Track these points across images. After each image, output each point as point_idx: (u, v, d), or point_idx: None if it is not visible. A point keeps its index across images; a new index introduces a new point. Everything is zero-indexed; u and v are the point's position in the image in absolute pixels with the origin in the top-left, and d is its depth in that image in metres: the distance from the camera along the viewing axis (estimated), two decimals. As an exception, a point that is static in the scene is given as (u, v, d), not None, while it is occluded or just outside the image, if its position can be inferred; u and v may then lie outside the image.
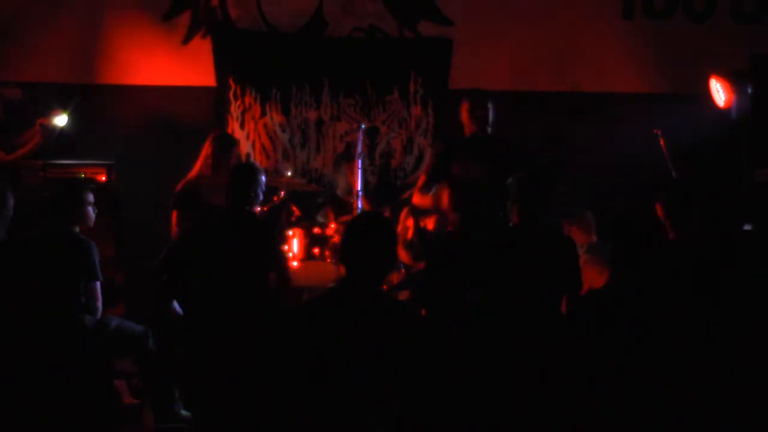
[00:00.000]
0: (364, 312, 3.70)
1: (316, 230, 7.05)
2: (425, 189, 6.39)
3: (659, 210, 4.98)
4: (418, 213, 7.21)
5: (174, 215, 6.41)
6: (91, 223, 5.69)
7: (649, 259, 3.99)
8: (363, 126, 7.01)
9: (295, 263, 6.94)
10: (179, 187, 6.47)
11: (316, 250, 6.98)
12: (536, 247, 4.93)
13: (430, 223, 7.24)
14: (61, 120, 7.12)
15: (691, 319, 3.99)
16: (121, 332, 5.62)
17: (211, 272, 5.30)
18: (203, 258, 5.34)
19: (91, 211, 5.65)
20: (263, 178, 5.63)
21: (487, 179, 6.01)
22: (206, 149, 6.55)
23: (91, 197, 5.67)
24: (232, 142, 6.77)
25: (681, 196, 4.95)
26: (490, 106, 6.29)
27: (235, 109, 8.08)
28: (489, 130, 6.30)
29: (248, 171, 5.63)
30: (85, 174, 7.21)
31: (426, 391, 3.79)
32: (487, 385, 4.24)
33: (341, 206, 7.40)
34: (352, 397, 3.60)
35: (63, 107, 7.14)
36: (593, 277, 5.94)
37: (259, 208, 6.00)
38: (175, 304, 5.56)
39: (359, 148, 6.76)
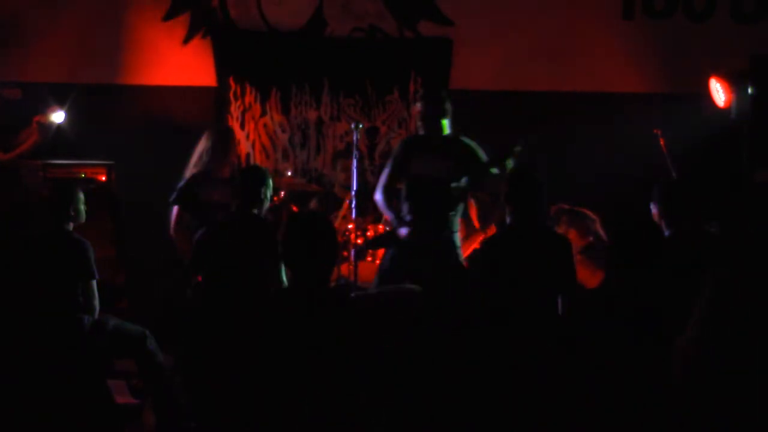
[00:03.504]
0: (312, 313, 3.67)
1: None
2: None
3: (654, 209, 4.98)
4: None
5: (175, 211, 6.39)
6: (83, 219, 5.67)
7: (646, 258, 3.99)
8: (360, 125, 6.99)
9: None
10: (181, 182, 6.45)
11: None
12: (532, 247, 4.92)
13: None
14: (57, 117, 7.12)
15: (686, 318, 3.99)
16: (119, 332, 5.63)
17: (218, 274, 5.35)
18: (213, 259, 5.39)
19: (82, 209, 5.65)
20: (271, 180, 5.67)
21: (448, 176, 6.05)
22: (203, 144, 6.51)
23: (81, 195, 5.67)
24: (229, 135, 6.74)
25: (675, 195, 4.95)
26: (446, 106, 6.28)
27: (235, 109, 8.08)
28: (446, 129, 6.29)
29: (258, 173, 5.68)
30: (85, 174, 7.21)
31: (386, 388, 3.77)
32: (484, 386, 4.24)
33: (334, 202, 7.37)
34: (306, 400, 3.58)
35: (60, 104, 7.14)
36: (586, 278, 5.95)
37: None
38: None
39: (355, 148, 6.75)
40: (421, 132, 6.32)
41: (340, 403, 3.59)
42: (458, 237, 6.15)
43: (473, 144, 6.31)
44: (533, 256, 4.89)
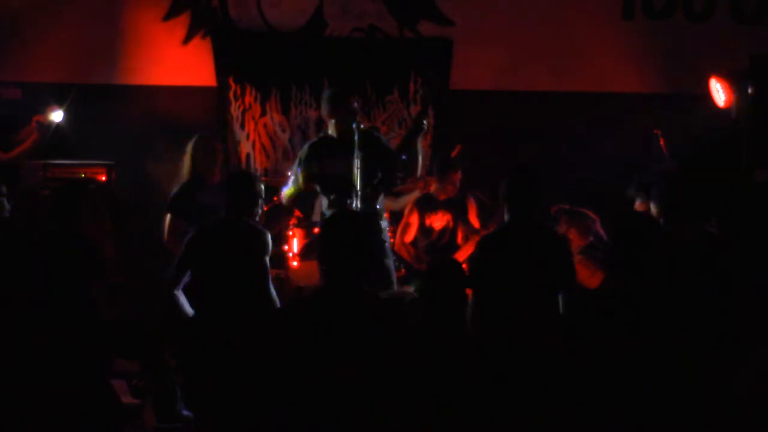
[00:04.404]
0: (347, 314, 3.65)
1: (317, 230, 7.05)
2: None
3: (653, 208, 4.99)
4: (424, 208, 7.18)
5: (168, 219, 6.27)
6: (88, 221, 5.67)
7: (646, 257, 3.99)
8: (361, 125, 6.98)
9: (295, 263, 6.94)
10: (174, 190, 6.34)
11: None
12: (529, 245, 4.92)
13: (436, 221, 7.22)
14: (57, 116, 7.12)
15: (686, 317, 4.00)
16: (122, 332, 5.63)
17: (211, 278, 5.34)
18: (203, 264, 5.37)
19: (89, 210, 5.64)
20: (260, 185, 5.53)
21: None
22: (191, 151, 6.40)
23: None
24: (212, 144, 6.59)
25: (675, 194, 4.96)
26: (354, 101, 6.25)
27: (235, 109, 8.09)
28: (354, 124, 6.15)
29: (242, 180, 5.57)
30: (85, 174, 7.22)
31: (415, 392, 3.76)
32: (484, 385, 4.24)
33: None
34: (338, 400, 3.57)
35: (59, 104, 7.15)
36: (586, 278, 5.95)
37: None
38: (183, 299, 5.51)
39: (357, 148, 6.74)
40: (327, 131, 6.28)
41: (354, 405, 3.59)
42: (385, 222, 6.37)
43: (377, 135, 6.41)
44: (530, 254, 4.88)
